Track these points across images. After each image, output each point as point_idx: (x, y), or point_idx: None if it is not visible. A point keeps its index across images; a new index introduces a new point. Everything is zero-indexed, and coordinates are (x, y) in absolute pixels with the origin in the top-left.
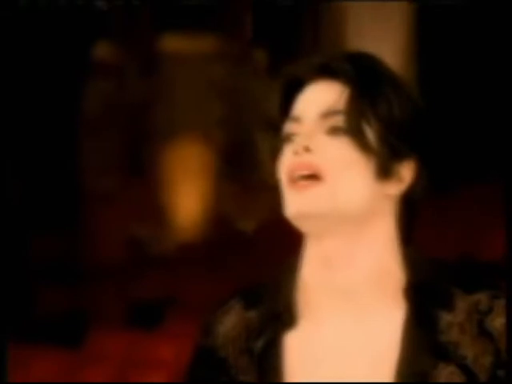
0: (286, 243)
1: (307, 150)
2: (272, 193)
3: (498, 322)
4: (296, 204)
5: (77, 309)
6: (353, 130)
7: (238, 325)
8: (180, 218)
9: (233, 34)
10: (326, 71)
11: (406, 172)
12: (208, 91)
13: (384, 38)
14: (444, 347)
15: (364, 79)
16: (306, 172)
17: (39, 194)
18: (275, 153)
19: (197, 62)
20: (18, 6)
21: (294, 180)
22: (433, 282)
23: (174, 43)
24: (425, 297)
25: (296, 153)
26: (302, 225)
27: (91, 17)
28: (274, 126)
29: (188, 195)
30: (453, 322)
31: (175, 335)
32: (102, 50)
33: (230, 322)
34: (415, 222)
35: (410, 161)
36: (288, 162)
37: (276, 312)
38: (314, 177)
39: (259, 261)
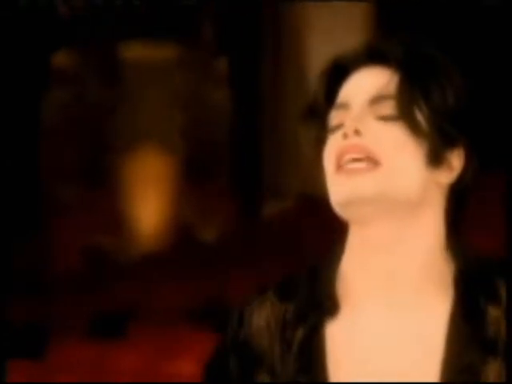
0: (248, 252)
1: (357, 132)
2: (234, 201)
3: None
4: (345, 189)
5: (39, 320)
6: (404, 116)
7: (274, 315)
8: (142, 227)
9: (194, 43)
10: (375, 56)
11: (456, 161)
12: (169, 100)
13: (346, 39)
14: (493, 341)
15: (415, 64)
16: (356, 155)
17: None
18: (320, 143)
19: (158, 70)
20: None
21: (343, 164)
22: (479, 274)
23: (135, 51)
24: (471, 289)
25: (345, 136)
26: (349, 212)
27: (52, 25)
28: (319, 114)
29: (149, 204)
30: (501, 315)
31: (139, 345)
32: (62, 58)
33: (265, 312)
34: (463, 212)
35: (460, 149)
36: (336, 146)
37: (317, 301)
38: (365, 160)
39: (220, 269)
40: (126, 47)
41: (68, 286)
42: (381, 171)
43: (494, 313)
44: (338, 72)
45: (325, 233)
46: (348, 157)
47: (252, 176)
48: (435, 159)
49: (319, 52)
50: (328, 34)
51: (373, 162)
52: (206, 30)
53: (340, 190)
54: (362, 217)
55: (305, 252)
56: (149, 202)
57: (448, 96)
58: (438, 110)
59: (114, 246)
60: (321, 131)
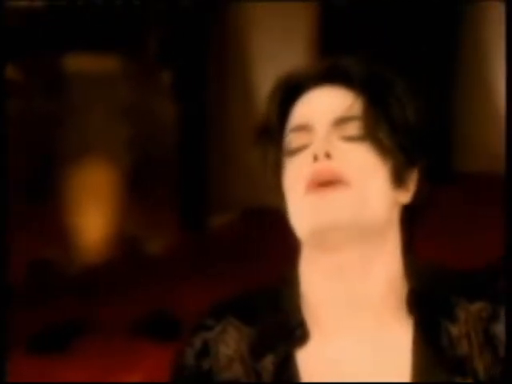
0: (194, 264)
1: (328, 155)
2: (179, 214)
3: (502, 328)
4: (317, 214)
5: None
6: (370, 137)
7: (241, 343)
8: (87, 239)
9: (138, 54)
10: (335, 76)
11: (412, 181)
12: (114, 112)
13: (291, 39)
14: (458, 361)
15: (378, 84)
16: (329, 178)
17: None
18: (279, 166)
19: (101, 82)
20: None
21: (313, 189)
22: (435, 294)
23: (78, 63)
24: (429, 308)
25: (316, 158)
26: (322, 240)
27: None
28: (272, 134)
29: (94, 217)
30: (460, 334)
31: (85, 359)
32: (6, 70)
33: (232, 340)
34: (415, 231)
35: (414, 169)
36: (307, 170)
37: (286, 329)
38: (338, 183)
39: (166, 281)
40: (70, 59)
41: (13, 299)
42: (352, 193)
43: (455, 330)
44: (291, 90)
45: (271, 245)
46: (319, 180)
47: (197, 188)
48: (399, 179)
49: (267, 63)
50: (273, 34)
51: (344, 184)
52: (150, 41)
53: (313, 218)
54: (334, 243)
55: (251, 264)
56: (94, 215)
57: (408, 115)
58: (400, 130)
59: (58, 258)
60: (277, 153)
